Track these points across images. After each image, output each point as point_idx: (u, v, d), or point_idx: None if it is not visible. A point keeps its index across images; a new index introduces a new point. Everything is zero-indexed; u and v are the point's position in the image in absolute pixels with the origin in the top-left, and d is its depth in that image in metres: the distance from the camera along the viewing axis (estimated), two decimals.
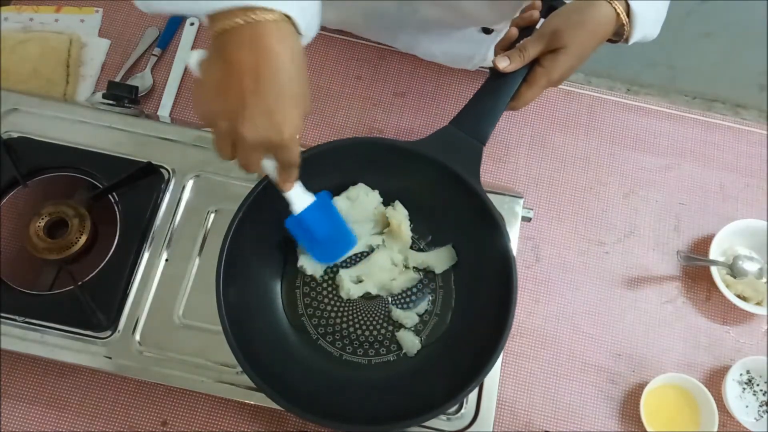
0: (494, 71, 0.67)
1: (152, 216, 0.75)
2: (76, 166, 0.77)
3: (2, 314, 0.70)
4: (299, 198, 0.62)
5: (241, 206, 0.64)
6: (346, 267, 0.72)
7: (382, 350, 0.69)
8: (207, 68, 0.51)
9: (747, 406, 0.79)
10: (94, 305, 0.70)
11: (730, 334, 0.83)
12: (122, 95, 0.82)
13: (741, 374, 0.80)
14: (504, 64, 0.66)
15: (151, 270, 0.73)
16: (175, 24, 0.96)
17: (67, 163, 0.77)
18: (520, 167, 0.91)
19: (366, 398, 0.66)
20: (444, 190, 0.68)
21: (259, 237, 0.68)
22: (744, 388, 0.80)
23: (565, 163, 0.91)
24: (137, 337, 0.70)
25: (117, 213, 0.75)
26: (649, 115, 0.94)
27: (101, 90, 0.89)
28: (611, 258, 0.86)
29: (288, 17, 0.49)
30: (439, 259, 0.72)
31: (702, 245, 0.86)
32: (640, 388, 0.78)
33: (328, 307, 0.70)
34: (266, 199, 0.64)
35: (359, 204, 0.71)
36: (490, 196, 0.66)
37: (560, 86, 0.91)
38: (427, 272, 0.72)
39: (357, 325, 0.70)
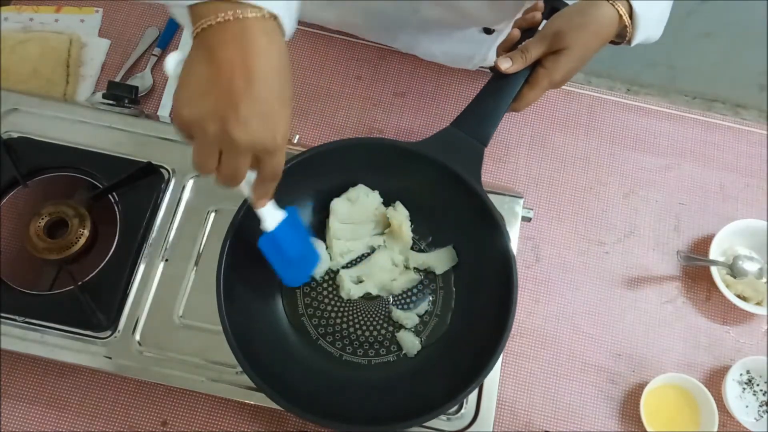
0: (496, 72, 0.67)
1: (152, 216, 0.75)
2: (76, 166, 0.77)
3: (2, 314, 0.70)
4: (271, 215, 0.59)
5: (241, 206, 0.63)
6: (347, 267, 0.72)
7: (382, 351, 0.69)
8: (189, 69, 0.47)
9: (747, 406, 0.79)
10: (94, 305, 0.70)
11: (730, 334, 0.83)
12: (122, 95, 0.82)
13: (741, 374, 0.80)
14: (506, 65, 0.66)
15: (151, 270, 0.73)
16: (175, 24, 0.96)
17: (67, 163, 0.77)
18: (520, 167, 0.90)
19: (366, 398, 0.66)
20: (444, 190, 0.68)
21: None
22: (744, 388, 0.79)
23: (565, 163, 0.91)
24: (137, 337, 0.70)
25: (117, 213, 0.75)
26: (649, 115, 0.94)
27: (101, 90, 0.89)
28: (611, 258, 0.86)
29: (274, 16, 0.47)
30: (440, 259, 0.72)
31: (702, 245, 0.86)
32: (640, 388, 0.78)
33: (329, 308, 0.70)
34: None
35: (360, 205, 0.71)
36: (490, 196, 0.66)
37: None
38: (428, 273, 0.72)
39: (357, 326, 0.70)
